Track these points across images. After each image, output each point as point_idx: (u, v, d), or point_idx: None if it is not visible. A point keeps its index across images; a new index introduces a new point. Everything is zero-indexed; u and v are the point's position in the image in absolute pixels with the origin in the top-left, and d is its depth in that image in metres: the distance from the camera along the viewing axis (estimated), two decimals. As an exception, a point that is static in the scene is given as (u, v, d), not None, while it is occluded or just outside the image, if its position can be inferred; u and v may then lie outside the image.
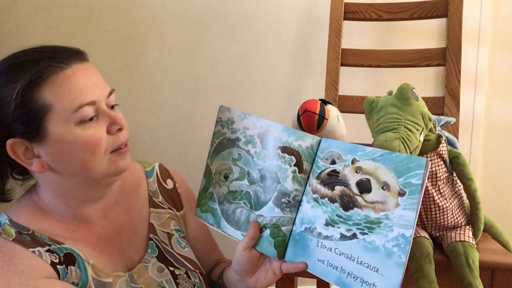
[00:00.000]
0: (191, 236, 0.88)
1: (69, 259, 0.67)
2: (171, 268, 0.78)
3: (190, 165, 1.46)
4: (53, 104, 0.65)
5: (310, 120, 0.84)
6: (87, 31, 1.46)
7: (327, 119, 0.85)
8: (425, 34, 1.29)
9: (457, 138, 1.07)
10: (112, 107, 0.72)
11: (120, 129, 0.70)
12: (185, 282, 0.78)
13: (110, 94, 0.71)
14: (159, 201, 0.84)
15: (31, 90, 0.64)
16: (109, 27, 1.46)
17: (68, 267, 0.66)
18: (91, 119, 0.67)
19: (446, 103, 1.15)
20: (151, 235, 0.79)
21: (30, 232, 0.68)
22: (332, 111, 0.86)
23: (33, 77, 0.64)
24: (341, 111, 0.95)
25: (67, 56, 0.68)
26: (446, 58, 1.16)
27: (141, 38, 1.45)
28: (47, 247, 0.66)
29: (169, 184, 0.87)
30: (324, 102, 0.88)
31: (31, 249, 0.64)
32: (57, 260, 0.65)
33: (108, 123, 0.69)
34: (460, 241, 0.86)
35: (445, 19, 1.18)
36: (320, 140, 0.69)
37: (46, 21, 1.47)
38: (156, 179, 0.86)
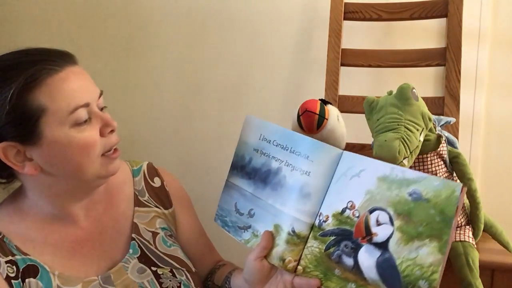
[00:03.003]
0: (183, 235, 0.87)
1: (31, 271, 0.67)
2: (154, 268, 0.77)
3: (189, 166, 1.46)
4: (48, 106, 0.64)
5: (310, 120, 0.84)
6: (86, 31, 1.46)
7: (327, 119, 0.85)
8: (425, 34, 1.28)
9: (457, 138, 1.07)
10: (101, 110, 0.72)
11: (112, 131, 0.71)
12: (170, 281, 0.77)
13: (100, 96, 0.72)
14: (145, 200, 0.83)
15: (25, 93, 0.64)
16: (108, 27, 1.46)
17: (26, 280, 0.66)
18: (85, 121, 0.67)
19: (446, 103, 1.15)
20: (133, 235, 0.79)
21: (0, 236, 0.68)
22: (332, 111, 0.86)
23: (28, 79, 0.63)
24: (341, 111, 0.95)
25: (60, 59, 0.68)
26: (446, 58, 1.15)
27: (141, 39, 1.45)
28: (9, 257, 0.66)
29: (156, 183, 0.86)
30: (324, 102, 0.88)
31: None
32: (13, 275, 0.66)
33: (101, 125, 0.70)
34: (460, 241, 0.86)
35: (445, 19, 1.18)
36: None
37: (45, 22, 1.47)
38: (142, 178, 0.85)
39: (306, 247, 0.66)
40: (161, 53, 1.45)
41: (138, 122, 1.49)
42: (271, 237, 0.68)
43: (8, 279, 0.65)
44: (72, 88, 0.66)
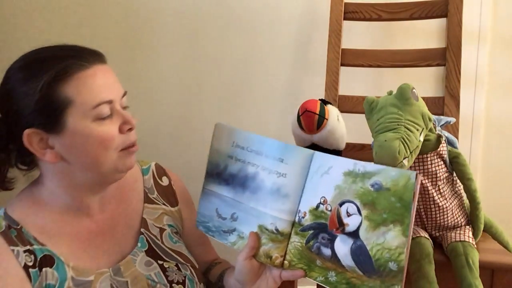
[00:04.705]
0: (185, 232, 0.89)
1: (47, 260, 0.70)
2: (160, 262, 0.80)
3: (189, 166, 1.46)
4: (74, 99, 0.69)
5: (310, 120, 0.84)
6: (87, 31, 1.46)
7: (327, 119, 0.85)
8: (425, 34, 1.29)
9: (457, 138, 1.07)
10: (124, 109, 0.76)
11: (130, 129, 0.76)
12: (175, 274, 0.80)
13: (123, 95, 0.76)
14: (154, 197, 0.86)
15: (55, 84, 0.68)
16: (108, 28, 1.46)
17: (43, 269, 0.69)
18: (106, 117, 0.71)
19: (446, 103, 1.15)
20: (142, 230, 0.82)
21: (19, 227, 0.71)
22: (332, 111, 0.87)
23: (58, 72, 0.68)
24: (341, 111, 0.95)
25: (90, 56, 0.73)
26: (446, 58, 1.16)
27: (141, 39, 1.45)
28: (27, 247, 0.69)
29: (165, 181, 0.89)
30: (324, 102, 0.88)
31: (11, 247, 0.68)
32: (31, 263, 0.69)
33: (121, 122, 0.74)
34: (460, 241, 0.86)
35: (445, 19, 1.18)
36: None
37: (45, 23, 1.47)
38: (152, 176, 0.88)
39: (289, 242, 0.70)
40: (161, 54, 1.45)
41: (137, 122, 1.48)
42: (257, 238, 0.72)
43: (26, 267, 0.68)
44: (99, 84, 0.71)
